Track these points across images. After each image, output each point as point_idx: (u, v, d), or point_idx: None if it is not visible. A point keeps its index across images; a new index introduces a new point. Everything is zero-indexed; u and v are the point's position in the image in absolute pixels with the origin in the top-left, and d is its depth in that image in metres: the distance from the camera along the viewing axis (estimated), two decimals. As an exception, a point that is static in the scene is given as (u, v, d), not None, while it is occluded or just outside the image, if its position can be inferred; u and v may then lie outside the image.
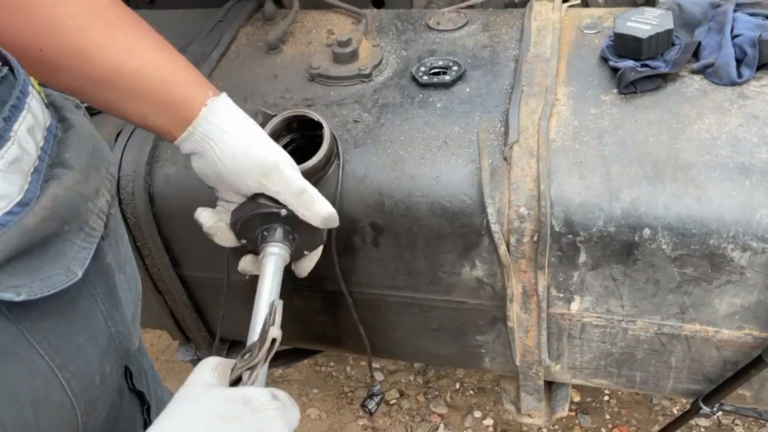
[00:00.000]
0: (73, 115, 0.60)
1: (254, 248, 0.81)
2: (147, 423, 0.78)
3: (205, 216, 0.82)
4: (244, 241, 0.81)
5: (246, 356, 0.58)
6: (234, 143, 0.73)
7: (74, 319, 0.55)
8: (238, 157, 0.73)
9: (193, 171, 1.01)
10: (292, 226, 0.78)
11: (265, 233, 0.78)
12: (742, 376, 0.96)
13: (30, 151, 0.52)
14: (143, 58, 0.70)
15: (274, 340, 0.57)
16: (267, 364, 0.59)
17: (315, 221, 0.77)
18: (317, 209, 0.76)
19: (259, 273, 0.76)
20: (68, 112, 0.60)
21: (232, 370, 0.58)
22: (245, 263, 0.85)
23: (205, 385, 0.56)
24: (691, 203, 0.84)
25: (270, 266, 0.76)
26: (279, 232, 0.78)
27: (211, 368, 0.57)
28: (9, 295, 0.46)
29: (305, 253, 0.85)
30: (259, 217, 0.77)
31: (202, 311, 1.24)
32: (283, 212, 0.76)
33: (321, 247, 0.87)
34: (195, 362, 1.37)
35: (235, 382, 0.57)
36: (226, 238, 0.82)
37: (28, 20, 0.64)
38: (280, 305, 0.60)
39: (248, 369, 0.57)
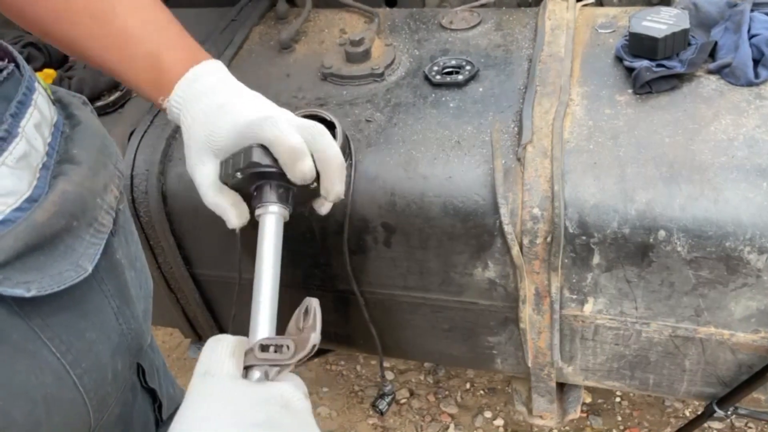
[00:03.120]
0: (80, 112, 0.60)
1: (248, 202, 0.74)
2: (158, 421, 0.78)
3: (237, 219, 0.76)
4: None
5: (271, 350, 0.55)
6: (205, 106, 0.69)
7: (85, 316, 0.55)
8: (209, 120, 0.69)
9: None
10: (285, 179, 0.71)
11: (259, 191, 0.71)
12: (757, 380, 0.95)
13: (38, 147, 0.52)
14: (131, 36, 0.69)
15: (314, 346, 0.54)
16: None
17: (292, 176, 0.69)
18: (297, 169, 0.68)
19: (258, 232, 0.70)
20: (75, 109, 0.60)
21: (246, 353, 0.55)
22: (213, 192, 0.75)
23: (230, 377, 0.52)
24: (708, 205, 0.83)
25: (271, 226, 0.70)
26: (277, 191, 0.71)
27: (229, 353, 0.54)
28: (20, 291, 0.47)
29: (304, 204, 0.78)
30: (250, 175, 0.70)
31: (213, 309, 1.24)
32: (275, 170, 0.69)
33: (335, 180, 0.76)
34: (206, 360, 1.37)
35: (249, 367, 0.54)
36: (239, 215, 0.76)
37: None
38: (317, 306, 0.56)
39: (275, 365, 0.54)
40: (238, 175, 0.70)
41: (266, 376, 0.54)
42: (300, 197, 0.75)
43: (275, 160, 0.69)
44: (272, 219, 0.70)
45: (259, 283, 0.66)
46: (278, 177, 0.70)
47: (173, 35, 0.72)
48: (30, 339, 0.50)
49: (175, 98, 0.70)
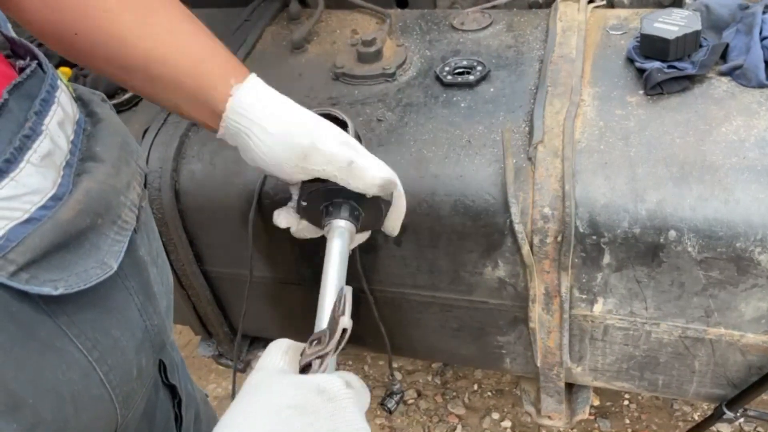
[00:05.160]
0: (101, 109, 0.60)
1: (318, 225, 0.78)
2: (178, 417, 0.78)
3: (283, 220, 0.79)
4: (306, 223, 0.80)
5: (315, 343, 0.57)
6: (266, 134, 0.69)
7: (110, 313, 0.55)
8: (273, 149, 0.70)
9: (219, 168, 1.03)
10: (356, 200, 0.75)
11: (330, 209, 0.75)
12: (767, 382, 0.95)
13: (61, 145, 0.52)
14: (171, 45, 0.68)
15: (344, 330, 0.55)
16: (338, 352, 0.57)
17: (371, 191, 0.72)
18: (370, 179, 0.71)
19: (326, 249, 0.73)
20: (96, 107, 0.60)
21: (302, 354, 0.56)
22: (281, 216, 0.80)
23: (278, 370, 0.54)
24: (718, 205, 0.83)
25: (337, 241, 0.72)
26: (344, 209, 0.74)
27: (283, 351, 0.56)
28: (47, 290, 0.47)
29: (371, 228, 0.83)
30: (321, 194, 0.74)
31: (224, 307, 1.25)
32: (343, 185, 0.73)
33: (403, 205, 0.82)
34: (216, 357, 1.38)
35: (305, 367, 0.56)
36: (311, 232, 0.81)
37: (63, 3, 0.63)
38: (349, 292, 0.58)
39: (318, 357, 0.55)
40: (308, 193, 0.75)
41: (315, 369, 0.55)
42: (365, 223, 0.79)
43: None
44: (341, 231, 0.74)
45: (325, 289, 0.68)
46: (355, 198, 0.74)
47: (212, 54, 0.71)
48: (57, 336, 0.50)
49: (231, 127, 0.70)
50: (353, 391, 0.52)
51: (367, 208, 0.77)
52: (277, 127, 0.70)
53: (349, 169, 0.70)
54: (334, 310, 0.58)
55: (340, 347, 0.56)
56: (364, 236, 0.87)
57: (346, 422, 0.50)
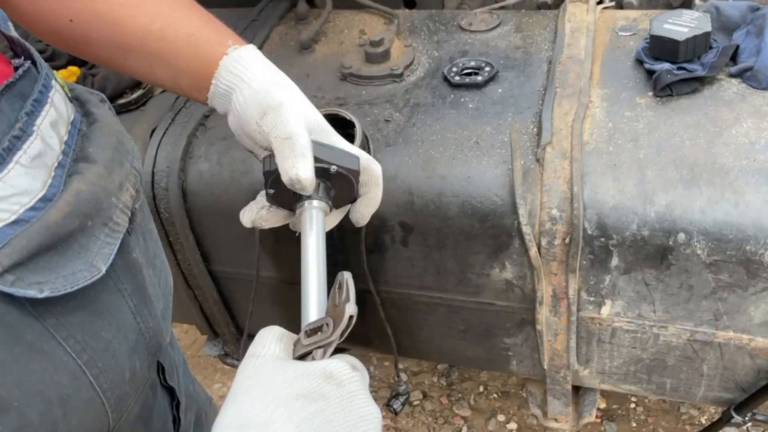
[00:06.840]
0: (98, 110, 0.59)
1: (290, 208, 0.74)
2: (176, 419, 0.77)
3: (246, 217, 0.76)
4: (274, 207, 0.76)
5: (314, 333, 0.54)
6: (248, 90, 0.67)
7: (101, 315, 0.54)
8: (247, 103, 0.67)
9: (226, 168, 1.03)
10: (326, 177, 0.71)
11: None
12: (776, 386, 0.94)
13: (53, 145, 0.51)
14: (168, 18, 0.67)
15: (351, 317, 0.53)
16: (341, 340, 0.55)
17: (283, 177, 0.67)
18: (287, 166, 0.65)
19: (302, 232, 0.69)
20: (92, 107, 0.59)
21: (295, 344, 0.54)
22: (244, 216, 0.77)
23: (275, 357, 0.52)
24: (728, 208, 0.82)
25: (311, 220, 0.69)
26: (318, 187, 0.71)
27: (276, 338, 0.54)
28: (32, 292, 0.46)
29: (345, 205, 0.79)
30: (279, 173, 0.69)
31: (230, 307, 1.25)
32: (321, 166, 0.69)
33: (379, 192, 0.78)
34: (222, 357, 1.38)
35: (301, 357, 0.54)
36: (275, 219, 0.76)
37: None
38: (350, 277, 0.56)
39: (320, 347, 0.53)
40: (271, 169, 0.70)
41: (314, 360, 0.54)
42: (338, 199, 0.75)
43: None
44: (313, 213, 0.70)
45: (306, 275, 0.65)
46: (321, 174, 0.70)
47: (207, 26, 0.71)
48: (45, 339, 0.49)
49: (221, 84, 0.69)
50: (359, 374, 0.51)
51: (337, 185, 0.73)
52: (259, 84, 0.67)
53: (282, 143, 0.65)
54: (334, 297, 0.56)
55: (345, 335, 0.54)
56: (340, 214, 0.81)
57: (358, 407, 0.49)
